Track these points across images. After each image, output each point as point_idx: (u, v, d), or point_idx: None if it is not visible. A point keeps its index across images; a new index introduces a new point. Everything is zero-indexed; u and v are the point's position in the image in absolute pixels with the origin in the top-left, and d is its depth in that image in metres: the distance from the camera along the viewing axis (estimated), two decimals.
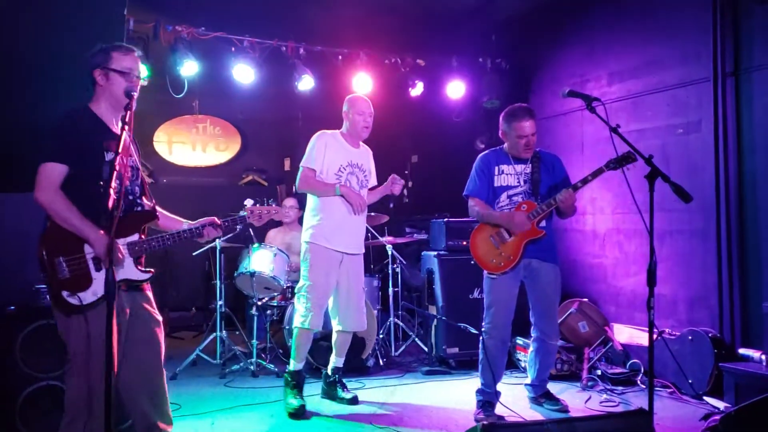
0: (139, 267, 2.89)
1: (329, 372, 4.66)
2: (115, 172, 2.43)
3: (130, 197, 2.92)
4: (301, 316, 4.36)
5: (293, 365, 4.45)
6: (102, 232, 2.69)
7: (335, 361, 4.65)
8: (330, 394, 4.63)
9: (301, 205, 6.53)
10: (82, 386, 2.66)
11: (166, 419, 2.96)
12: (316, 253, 4.38)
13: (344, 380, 4.73)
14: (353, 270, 4.51)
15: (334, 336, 4.62)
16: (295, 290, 4.53)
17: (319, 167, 4.41)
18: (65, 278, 2.68)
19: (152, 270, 2.94)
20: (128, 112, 2.62)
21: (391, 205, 4.60)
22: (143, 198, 3.04)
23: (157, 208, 3.13)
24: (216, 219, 3.12)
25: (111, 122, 2.89)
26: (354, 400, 4.51)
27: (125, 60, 2.86)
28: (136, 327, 2.89)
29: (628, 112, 5.55)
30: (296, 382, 4.43)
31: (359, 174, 4.53)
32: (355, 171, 4.51)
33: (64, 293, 2.67)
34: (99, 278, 2.72)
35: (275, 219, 3.39)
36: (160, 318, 3.01)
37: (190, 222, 3.12)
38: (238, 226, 3.31)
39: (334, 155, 4.44)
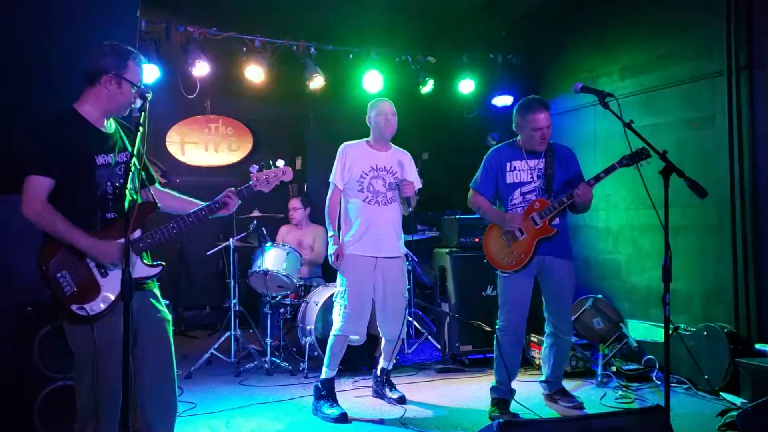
0: (146, 263, 2.80)
1: (378, 372, 4.69)
2: (130, 175, 2.41)
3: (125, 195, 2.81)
4: (337, 323, 4.32)
5: (325, 373, 4.33)
6: (96, 239, 2.64)
7: (382, 363, 4.66)
8: (378, 392, 4.66)
9: (305, 204, 6.61)
10: (96, 390, 2.63)
11: (167, 426, 2.88)
12: (350, 260, 4.32)
13: (364, 378, 4.77)
14: (389, 275, 4.39)
15: (381, 341, 4.59)
16: (333, 297, 4.48)
17: (341, 180, 4.40)
18: (72, 292, 2.62)
19: (162, 263, 2.86)
20: (141, 129, 2.55)
21: (410, 209, 4.50)
22: (143, 191, 2.93)
23: (168, 191, 3.07)
24: (231, 190, 2.97)
25: (99, 122, 2.78)
26: (401, 400, 4.50)
27: (139, 71, 2.78)
28: (144, 327, 2.81)
29: (641, 107, 5.51)
30: (328, 390, 4.31)
31: (386, 176, 4.41)
32: (381, 174, 4.40)
33: (74, 307, 2.61)
34: (107, 284, 2.67)
35: (285, 180, 3.13)
36: (169, 317, 2.93)
37: (198, 202, 3.01)
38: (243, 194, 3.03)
39: (356, 163, 4.39)
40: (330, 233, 4.39)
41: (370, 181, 4.38)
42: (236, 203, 2.99)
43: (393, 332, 4.45)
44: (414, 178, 4.50)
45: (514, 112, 4.25)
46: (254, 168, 3.11)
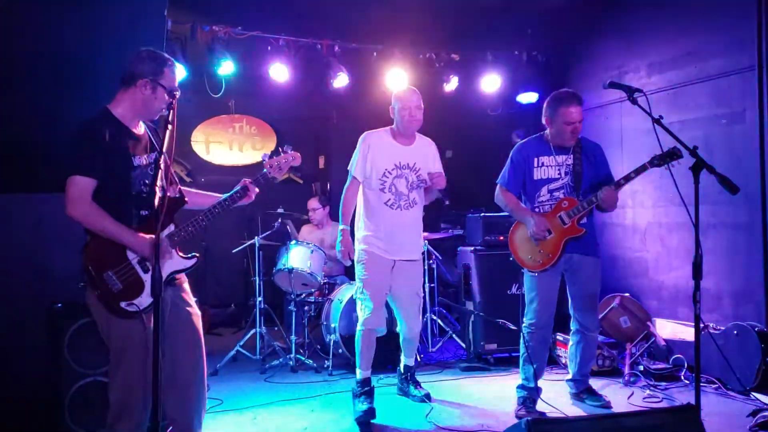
0: (182, 255, 2.94)
1: (401, 369, 4.65)
2: (160, 171, 2.45)
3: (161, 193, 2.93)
4: (361, 317, 4.25)
5: (359, 374, 4.25)
6: (140, 234, 2.76)
7: (404, 360, 4.62)
8: (403, 390, 4.62)
9: (323, 204, 6.62)
10: (131, 384, 2.70)
11: (195, 422, 2.97)
12: (371, 256, 4.23)
13: (388, 376, 4.75)
14: (407, 275, 4.32)
15: (400, 337, 4.55)
16: (354, 296, 4.42)
17: (361, 173, 4.24)
18: (119, 290, 2.72)
19: (197, 255, 2.99)
20: (170, 126, 2.61)
21: (447, 202, 4.45)
22: (170, 187, 3.03)
23: (186, 189, 3.16)
24: (246, 180, 3.16)
25: (132, 124, 2.88)
26: (426, 397, 4.46)
27: (174, 78, 2.88)
28: (176, 322, 2.93)
29: (669, 104, 5.44)
30: (364, 391, 4.19)
31: (409, 175, 4.25)
32: (404, 173, 4.24)
33: (123, 304, 2.71)
34: (150, 279, 2.73)
35: (294, 165, 3.34)
36: (198, 312, 3.06)
37: (218, 195, 3.18)
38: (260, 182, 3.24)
39: (379, 158, 4.23)
40: (340, 226, 4.23)
41: (393, 182, 4.23)
42: (255, 191, 3.16)
43: (411, 330, 4.41)
44: (439, 171, 4.32)
45: (546, 104, 4.17)
46: (266, 156, 3.28)
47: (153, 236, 2.72)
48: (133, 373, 2.69)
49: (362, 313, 4.24)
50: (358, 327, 4.27)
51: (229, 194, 3.11)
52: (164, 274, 2.83)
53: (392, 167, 4.23)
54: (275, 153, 3.28)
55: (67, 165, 2.70)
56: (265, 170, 3.23)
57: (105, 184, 2.73)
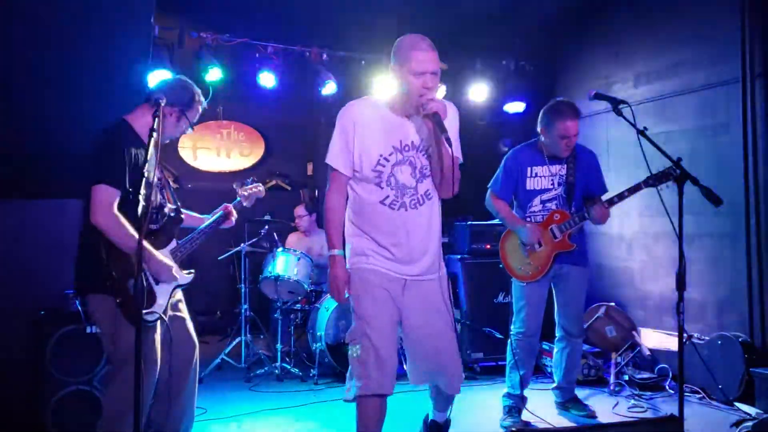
0: (183, 271, 3.03)
1: (428, 424, 3.36)
2: (145, 181, 2.46)
3: (164, 208, 3.00)
4: (353, 377, 2.87)
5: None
6: (158, 253, 2.88)
7: (431, 413, 3.32)
8: None
9: (309, 211, 6.62)
10: (131, 393, 2.71)
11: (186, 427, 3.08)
12: (361, 277, 2.92)
13: None
14: (428, 300, 2.95)
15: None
16: (346, 337, 2.96)
17: (346, 164, 2.90)
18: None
19: (193, 270, 3.07)
20: (155, 133, 2.66)
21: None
22: (168, 203, 3.11)
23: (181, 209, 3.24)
24: (228, 205, 3.40)
25: (146, 140, 2.94)
26: None
27: (197, 114, 3.06)
28: (173, 330, 3.00)
29: (655, 115, 5.48)
30: None
31: (416, 159, 2.91)
32: (409, 156, 2.89)
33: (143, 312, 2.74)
34: (159, 291, 2.88)
35: (259, 197, 3.60)
36: (190, 320, 3.14)
37: (202, 216, 3.37)
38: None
39: (372, 138, 2.88)
40: (328, 251, 2.94)
41: (393, 170, 2.88)
42: (235, 216, 3.42)
43: (445, 383, 3.05)
44: (455, 148, 2.92)
45: (542, 113, 4.14)
46: (238, 184, 3.57)
47: (166, 260, 2.90)
48: (134, 380, 2.70)
49: (355, 368, 2.87)
50: (352, 395, 2.88)
51: (213, 219, 3.31)
52: (170, 289, 2.93)
53: (390, 150, 2.89)
54: (243, 183, 3.57)
55: (92, 173, 2.73)
56: (239, 198, 3.49)
57: (128, 197, 2.76)
